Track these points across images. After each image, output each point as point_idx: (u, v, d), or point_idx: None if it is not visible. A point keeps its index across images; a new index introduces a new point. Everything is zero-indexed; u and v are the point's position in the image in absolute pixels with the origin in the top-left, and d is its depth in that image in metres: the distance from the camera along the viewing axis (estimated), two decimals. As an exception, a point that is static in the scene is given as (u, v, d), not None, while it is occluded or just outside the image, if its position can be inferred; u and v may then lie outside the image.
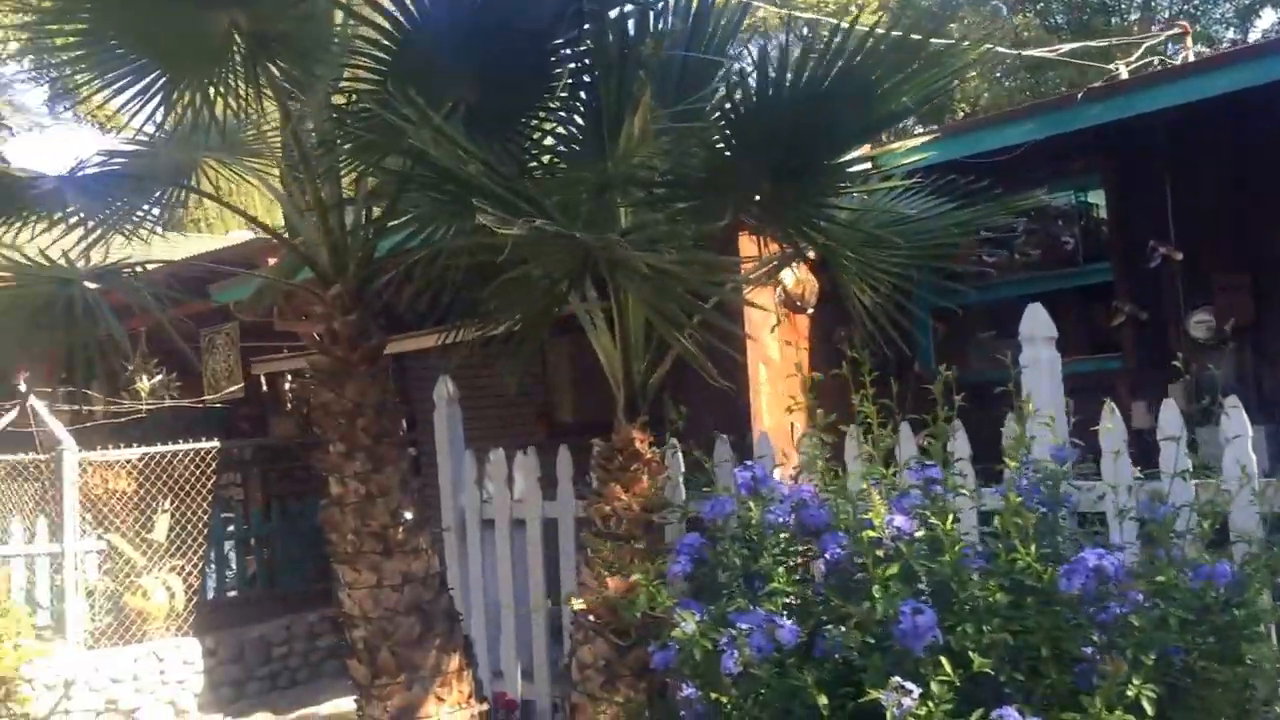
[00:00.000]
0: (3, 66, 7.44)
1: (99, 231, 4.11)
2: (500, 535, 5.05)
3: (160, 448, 7.99)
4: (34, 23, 4.23)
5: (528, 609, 4.92)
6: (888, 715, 2.10)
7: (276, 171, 4.77)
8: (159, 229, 4.54)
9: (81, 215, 4.08)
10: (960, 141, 5.20)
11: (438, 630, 4.01)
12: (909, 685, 2.13)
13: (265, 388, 10.09)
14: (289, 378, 10.22)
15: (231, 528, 9.01)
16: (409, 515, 4.00)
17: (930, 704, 2.15)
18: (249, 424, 10.55)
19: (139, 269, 4.51)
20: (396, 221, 4.14)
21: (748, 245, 5.29)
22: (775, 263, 4.13)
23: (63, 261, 4.04)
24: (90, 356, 4.13)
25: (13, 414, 8.02)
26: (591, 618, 3.84)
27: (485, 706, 4.13)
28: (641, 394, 3.93)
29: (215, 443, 8.22)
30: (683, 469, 4.27)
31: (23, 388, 7.99)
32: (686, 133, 3.42)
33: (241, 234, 17.27)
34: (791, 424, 5.82)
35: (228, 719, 7.48)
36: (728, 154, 3.39)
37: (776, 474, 3.83)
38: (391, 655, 3.91)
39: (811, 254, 4.13)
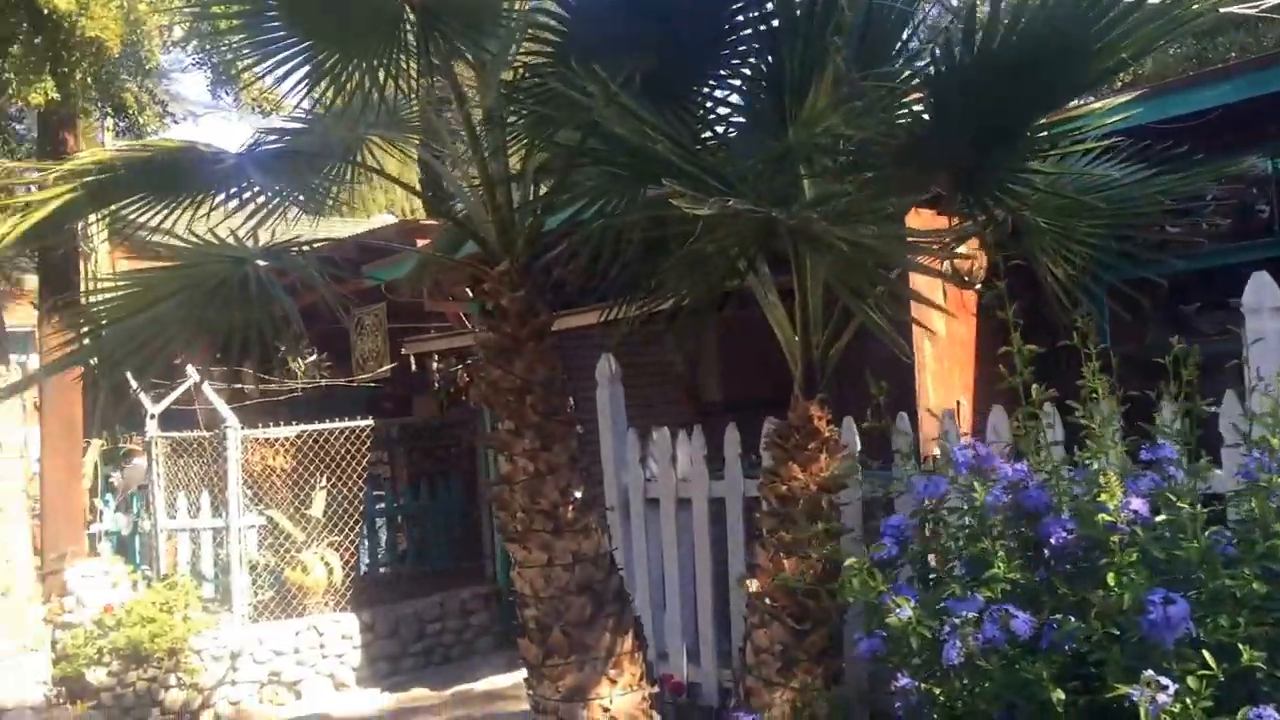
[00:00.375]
0: (165, 54, 7.69)
1: (275, 206, 4.15)
2: (665, 515, 4.97)
3: (318, 425, 8.16)
4: (199, 5, 4.28)
5: (694, 590, 4.84)
6: (1141, 712, 1.94)
7: (443, 148, 4.79)
8: (326, 206, 4.56)
9: (257, 189, 4.12)
10: (1157, 104, 4.88)
11: (609, 610, 3.95)
12: (1164, 680, 1.96)
13: (414, 368, 10.23)
14: (435, 358, 10.36)
15: (382, 505, 9.18)
16: (579, 493, 3.95)
17: (1186, 700, 1.98)
18: (393, 403, 10.74)
19: (305, 247, 4.57)
20: (565, 197, 4.09)
21: (911, 216, 5.10)
22: (964, 234, 3.93)
23: (232, 240, 4.10)
24: (263, 334, 4.17)
25: (182, 389, 8.28)
26: (767, 600, 3.73)
27: (655, 689, 4.06)
28: (820, 370, 3.80)
29: (369, 421, 8.36)
30: (859, 448, 4.13)
31: (193, 374, 8.23)
32: (879, 97, 3.26)
33: (384, 217, 17.60)
34: (958, 402, 5.61)
35: (385, 694, 7.60)
36: (926, 118, 3.21)
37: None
38: (563, 635, 3.87)
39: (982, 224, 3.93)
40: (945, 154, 3.34)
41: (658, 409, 8.34)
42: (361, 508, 8.38)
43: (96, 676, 7.22)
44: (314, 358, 9.57)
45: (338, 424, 8.22)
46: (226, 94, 8.07)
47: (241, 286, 3.91)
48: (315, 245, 4.75)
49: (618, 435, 5.15)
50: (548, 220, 4.11)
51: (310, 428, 8.16)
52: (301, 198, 4.36)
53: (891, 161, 3.45)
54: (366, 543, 8.89)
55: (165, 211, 4.26)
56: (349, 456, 8.21)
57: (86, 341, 4.22)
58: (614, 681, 3.88)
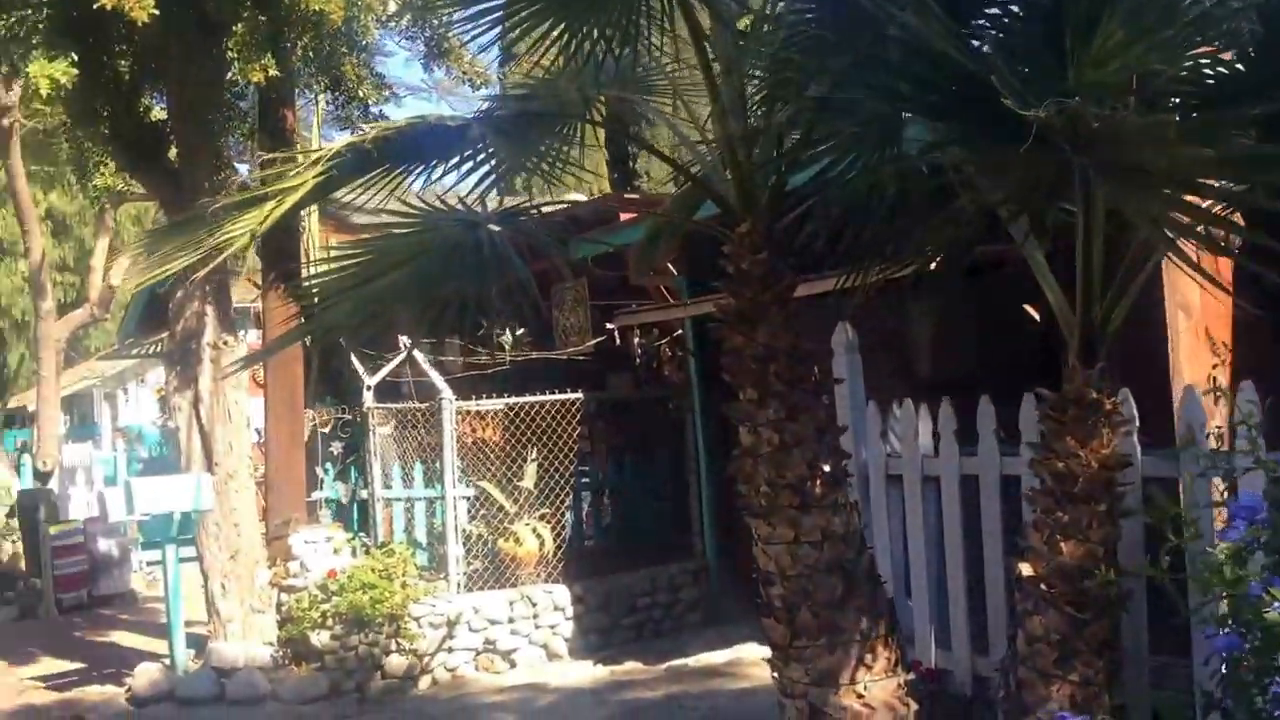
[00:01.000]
0: (380, 28, 7.79)
1: (510, 169, 4.07)
2: (910, 492, 4.70)
3: (529, 398, 8.17)
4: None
5: (942, 572, 4.56)
6: None
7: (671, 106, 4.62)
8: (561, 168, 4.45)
9: (491, 152, 4.05)
10: None
11: (861, 591, 3.73)
12: None
13: (616, 342, 10.15)
14: (636, 333, 10.26)
15: (587, 479, 9.16)
16: (827, 467, 3.73)
17: None
18: (589, 378, 10.70)
19: (534, 212, 4.48)
20: (810, 153, 3.86)
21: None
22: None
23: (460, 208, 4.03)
24: (507, 300, 4.09)
25: (397, 361, 8.41)
26: (1042, 586, 3.44)
27: (911, 676, 3.82)
28: (1101, 336, 3.47)
29: (579, 394, 8.33)
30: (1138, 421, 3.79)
31: (412, 347, 8.34)
32: (1186, 25, 2.90)
33: (574, 196, 17.55)
34: (1214, 379, 5.14)
35: (599, 666, 7.56)
36: (1252, 54, 2.83)
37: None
38: (812, 616, 3.67)
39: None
40: (1265, 92, 2.96)
41: (867, 385, 8.01)
42: (571, 480, 8.36)
43: (320, 639, 7.42)
44: (520, 331, 9.60)
45: (548, 397, 8.21)
46: (437, 68, 8.13)
47: (475, 252, 3.83)
48: (545, 211, 4.67)
49: (856, 408, 4.88)
50: (791, 178, 3.90)
51: (521, 400, 8.18)
52: (537, 157, 4.26)
53: (1200, 102, 3.09)
54: (571, 515, 8.88)
55: (399, 181, 4.23)
56: (557, 429, 8.20)
57: (314, 315, 4.22)
58: (868, 667, 3.66)
